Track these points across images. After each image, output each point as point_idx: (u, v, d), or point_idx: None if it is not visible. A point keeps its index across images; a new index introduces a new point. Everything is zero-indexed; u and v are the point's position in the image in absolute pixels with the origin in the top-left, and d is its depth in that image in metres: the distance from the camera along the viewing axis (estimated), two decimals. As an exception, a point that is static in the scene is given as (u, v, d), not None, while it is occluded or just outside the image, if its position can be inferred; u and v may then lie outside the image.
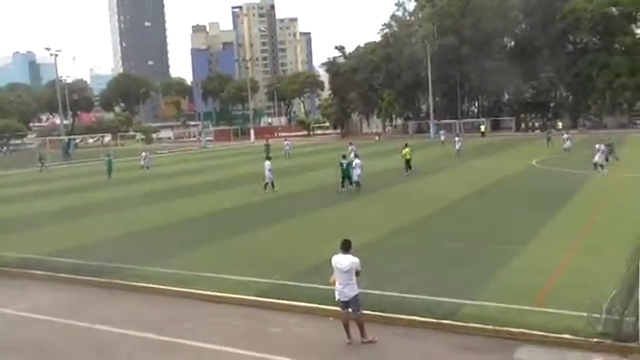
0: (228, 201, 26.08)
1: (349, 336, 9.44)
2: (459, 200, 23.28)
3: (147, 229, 20.16)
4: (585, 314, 9.13)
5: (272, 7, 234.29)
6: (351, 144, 41.70)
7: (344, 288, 9.27)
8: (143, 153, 49.17)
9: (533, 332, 9.10)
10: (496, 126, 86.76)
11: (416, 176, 31.75)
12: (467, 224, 18.26)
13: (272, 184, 28.24)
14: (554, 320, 9.44)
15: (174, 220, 21.76)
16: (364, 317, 9.50)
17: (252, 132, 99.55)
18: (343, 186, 26.74)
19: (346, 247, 9.42)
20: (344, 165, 27.12)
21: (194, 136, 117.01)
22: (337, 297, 9.41)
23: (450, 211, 21.05)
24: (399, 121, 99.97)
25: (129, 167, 48.54)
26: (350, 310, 9.38)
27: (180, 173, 42.92)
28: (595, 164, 29.75)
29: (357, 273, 9.35)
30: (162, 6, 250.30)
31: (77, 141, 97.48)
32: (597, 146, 30.65)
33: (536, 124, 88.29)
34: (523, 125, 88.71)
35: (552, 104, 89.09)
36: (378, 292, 11.24)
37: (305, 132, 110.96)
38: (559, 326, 9.18)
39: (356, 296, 9.31)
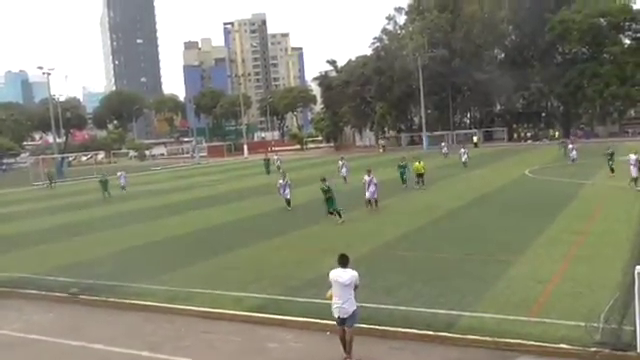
0: (222, 216, 25.98)
1: (346, 351, 9.33)
2: (455, 210, 23.30)
3: (140, 246, 20.02)
4: (582, 323, 9.12)
5: (264, 22, 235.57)
6: (342, 159, 40.31)
7: (344, 304, 9.03)
8: (119, 172, 45.79)
9: (531, 343, 9.07)
10: (488, 137, 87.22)
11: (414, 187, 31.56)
12: (463, 234, 18.23)
13: (288, 202, 26.36)
14: (551, 330, 9.42)
15: (168, 236, 21.65)
16: (354, 332, 9.29)
17: (245, 147, 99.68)
18: (331, 212, 21.95)
19: (344, 262, 9.24)
20: (325, 189, 22.28)
21: (187, 152, 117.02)
22: (336, 314, 9.13)
23: (447, 221, 21.04)
24: (392, 133, 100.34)
25: (118, 185, 48.08)
26: (345, 325, 9.17)
27: (174, 190, 42.77)
28: (635, 179, 25.84)
29: (355, 287, 9.21)
30: (154, 23, 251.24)
31: (70, 159, 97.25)
32: (633, 157, 26.20)
33: (528, 134, 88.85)
34: (515, 135, 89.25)
35: (544, 114, 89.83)
36: (374, 305, 11.18)
37: (298, 146, 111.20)
38: (556, 336, 9.16)
39: (355, 311, 9.15)
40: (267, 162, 53.00)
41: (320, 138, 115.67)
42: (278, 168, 50.61)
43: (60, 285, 14.85)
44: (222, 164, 78.69)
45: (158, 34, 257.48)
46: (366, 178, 24.46)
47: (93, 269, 16.41)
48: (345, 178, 36.78)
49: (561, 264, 13.66)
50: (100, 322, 12.32)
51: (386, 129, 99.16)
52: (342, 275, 9.10)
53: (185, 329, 11.37)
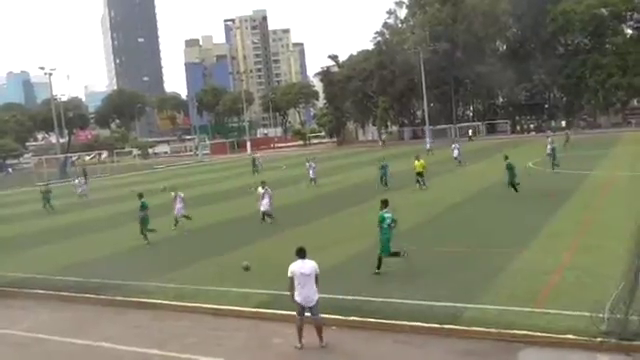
0: (223, 214, 26.02)
1: (300, 341, 9.66)
2: (457, 204, 23.27)
3: (145, 245, 19.99)
4: (587, 314, 9.12)
5: (264, 19, 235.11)
6: (308, 160, 36.86)
7: (309, 292, 9.52)
8: (77, 180, 42.04)
9: (536, 334, 9.09)
10: (492, 129, 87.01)
11: (411, 184, 31.11)
12: (466, 228, 18.23)
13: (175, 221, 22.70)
14: (557, 321, 9.44)
15: (173, 234, 21.72)
16: (323, 321, 9.73)
17: (248, 144, 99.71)
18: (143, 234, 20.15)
19: (302, 253, 9.73)
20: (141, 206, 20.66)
21: (191, 150, 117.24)
22: (303, 303, 9.56)
23: (449, 215, 21.03)
24: (394, 128, 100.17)
25: (121, 184, 48.14)
26: (311, 314, 9.60)
27: (178, 187, 42.58)
28: None
29: (317, 277, 9.62)
30: (155, 22, 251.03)
31: (73, 159, 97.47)
32: None
33: (531, 126, 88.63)
34: (518, 127, 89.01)
35: (546, 106, 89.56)
36: (380, 299, 11.23)
37: (301, 142, 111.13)
38: (562, 326, 9.18)
39: (318, 300, 9.61)
40: (253, 161, 51.18)
41: (323, 133, 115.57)
42: (256, 169, 48.98)
43: (68, 284, 14.93)
44: (225, 161, 78.73)
45: (159, 32, 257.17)
46: (260, 190, 22.31)
47: (99, 268, 16.49)
48: (314, 180, 34.35)
49: (565, 255, 13.66)
50: (107, 321, 12.39)
51: (389, 123, 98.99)
52: (304, 266, 9.63)
53: (192, 326, 11.42)
